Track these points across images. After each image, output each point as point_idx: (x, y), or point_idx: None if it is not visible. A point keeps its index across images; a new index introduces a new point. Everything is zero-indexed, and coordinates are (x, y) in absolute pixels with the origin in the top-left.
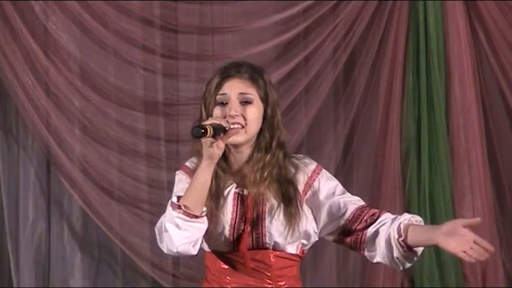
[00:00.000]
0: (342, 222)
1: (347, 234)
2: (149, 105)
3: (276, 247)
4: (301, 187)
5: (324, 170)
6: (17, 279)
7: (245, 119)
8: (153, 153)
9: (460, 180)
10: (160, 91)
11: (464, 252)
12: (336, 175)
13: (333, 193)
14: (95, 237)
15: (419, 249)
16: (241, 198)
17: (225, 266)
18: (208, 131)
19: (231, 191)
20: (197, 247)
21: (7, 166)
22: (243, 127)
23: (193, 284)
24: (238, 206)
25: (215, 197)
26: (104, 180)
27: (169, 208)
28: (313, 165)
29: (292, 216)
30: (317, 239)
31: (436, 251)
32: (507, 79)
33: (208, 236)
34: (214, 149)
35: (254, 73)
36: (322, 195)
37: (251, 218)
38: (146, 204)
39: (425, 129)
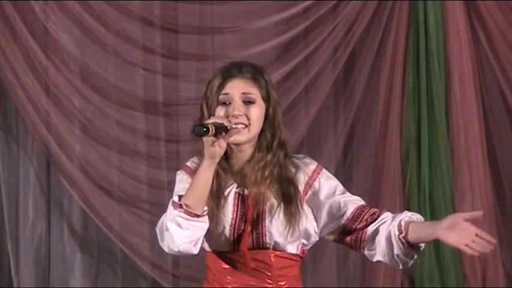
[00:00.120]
0: (342, 221)
1: (347, 234)
2: (149, 105)
3: (276, 247)
4: (301, 187)
5: (324, 170)
6: (17, 279)
7: (248, 119)
8: (153, 153)
9: (460, 180)
10: (160, 91)
11: (467, 245)
12: (336, 175)
13: (334, 193)
14: (95, 237)
15: (420, 246)
16: (241, 198)
17: (226, 266)
18: (210, 129)
19: (231, 191)
20: (198, 246)
21: (7, 166)
22: (246, 126)
23: (194, 284)
24: (239, 206)
25: (216, 196)
26: (104, 180)
27: (170, 207)
28: (313, 165)
29: (292, 216)
30: (317, 238)
31: (436, 250)
32: (507, 79)
33: (208, 235)
34: (216, 148)
35: (256, 73)
36: (322, 195)
37: (251, 218)
38: (146, 204)
39: (425, 129)
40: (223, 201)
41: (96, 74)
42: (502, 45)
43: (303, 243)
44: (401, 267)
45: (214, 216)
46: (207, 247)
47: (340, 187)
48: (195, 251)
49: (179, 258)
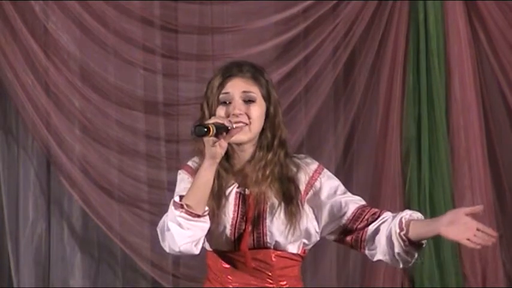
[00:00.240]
0: (343, 221)
1: (348, 234)
2: (149, 105)
3: (277, 246)
4: (302, 187)
5: (325, 170)
6: (17, 279)
7: (249, 118)
8: (153, 153)
9: (460, 180)
10: (161, 91)
11: (468, 239)
12: (336, 175)
13: (335, 193)
14: (95, 237)
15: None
16: (242, 198)
17: (227, 266)
18: (211, 130)
19: (232, 191)
20: (199, 246)
21: (7, 166)
22: (247, 125)
23: (194, 284)
24: (240, 206)
25: (217, 196)
26: (104, 180)
27: (171, 207)
28: (314, 164)
29: (293, 215)
30: (318, 238)
31: (436, 250)
32: (507, 79)
33: (209, 235)
34: (216, 149)
35: (256, 72)
36: (323, 195)
37: (252, 218)
38: (146, 204)
39: (425, 129)
40: (224, 201)
41: (96, 74)
42: (502, 45)
43: (303, 243)
44: (401, 266)
45: (215, 215)
46: (207, 246)
47: (342, 187)
48: (196, 251)
49: (179, 258)
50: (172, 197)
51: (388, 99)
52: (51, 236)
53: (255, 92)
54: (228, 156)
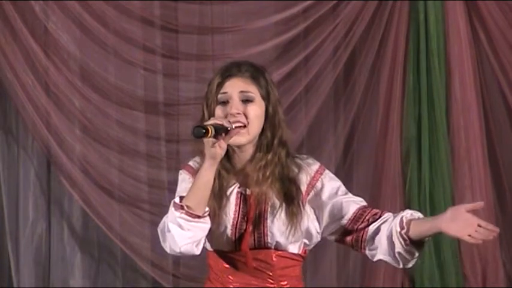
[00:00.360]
0: (344, 222)
1: (349, 234)
2: (149, 105)
3: (278, 247)
4: (303, 187)
5: (327, 171)
6: (17, 279)
7: (246, 117)
8: (153, 153)
9: (461, 180)
10: (161, 91)
11: (470, 235)
12: (336, 175)
13: (336, 193)
14: (95, 237)
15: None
16: (243, 198)
17: (227, 266)
18: (210, 131)
19: (233, 191)
20: (200, 247)
21: (7, 166)
22: (245, 126)
23: (194, 284)
24: (241, 206)
25: (218, 196)
26: (104, 180)
27: (171, 208)
28: (316, 165)
29: (294, 216)
30: (319, 239)
31: (436, 250)
32: (507, 79)
33: (210, 235)
34: (216, 149)
35: (255, 72)
36: (324, 196)
37: (253, 218)
38: (146, 204)
39: (425, 129)
40: (225, 201)
41: (96, 74)
42: (503, 45)
43: (304, 243)
44: (402, 265)
45: (216, 216)
46: (209, 247)
47: (343, 188)
48: (197, 251)
49: (179, 258)
50: (173, 197)
51: (388, 99)
52: (51, 236)
53: (253, 91)
54: (228, 156)
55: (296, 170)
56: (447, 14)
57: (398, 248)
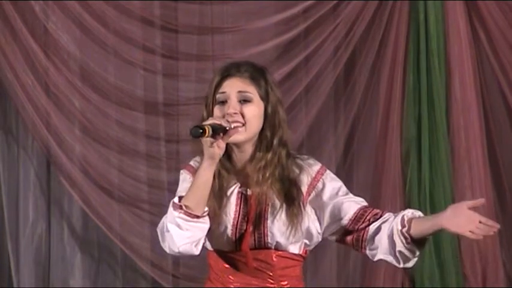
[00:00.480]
0: (345, 222)
1: (350, 234)
2: (149, 105)
3: (278, 247)
4: (304, 188)
5: (328, 171)
6: (17, 279)
7: (244, 117)
8: (153, 154)
9: (461, 180)
10: (161, 91)
11: (471, 231)
12: (337, 175)
13: (336, 194)
14: (95, 237)
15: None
16: (244, 198)
17: (228, 266)
18: (207, 130)
19: (234, 191)
20: (199, 247)
21: (7, 166)
22: (243, 125)
23: (194, 284)
24: (241, 206)
25: (218, 196)
26: (104, 180)
27: (170, 208)
28: (317, 166)
29: (294, 216)
30: (320, 239)
31: (436, 250)
32: (507, 79)
33: (210, 235)
34: (214, 149)
35: (255, 72)
36: (325, 196)
37: (253, 218)
38: (146, 204)
39: (425, 129)
40: (226, 201)
41: (96, 74)
42: (503, 45)
43: (305, 244)
44: (402, 265)
45: (216, 215)
46: (209, 246)
47: (344, 188)
48: (196, 251)
49: (179, 258)
50: (173, 197)
51: (388, 99)
52: (51, 236)
53: (252, 92)
54: (229, 156)
55: (297, 171)
56: (447, 14)
57: (400, 246)
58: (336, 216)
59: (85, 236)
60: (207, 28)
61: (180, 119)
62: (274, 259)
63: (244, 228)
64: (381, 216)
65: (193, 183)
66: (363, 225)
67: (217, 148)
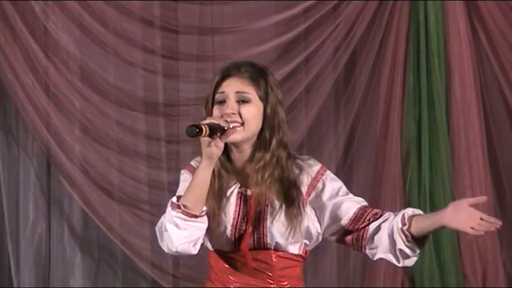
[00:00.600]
0: (345, 222)
1: (349, 234)
2: (149, 105)
3: (277, 247)
4: (304, 188)
5: (328, 172)
6: (17, 279)
7: (241, 118)
8: (153, 154)
9: (461, 180)
10: (161, 92)
11: (472, 228)
12: (337, 175)
13: (336, 194)
14: (95, 237)
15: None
16: (244, 198)
17: (227, 266)
18: (204, 130)
19: (234, 191)
20: (197, 246)
21: (7, 166)
22: (241, 125)
23: (194, 285)
24: (241, 206)
25: (218, 196)
26: (104, 181)
27: (169, 208)
28: (317, 166)
29: (293, 217)
30: (320, 239)
31: (436, 250)
32: (507, 79)
33: (210, 235)
34: (212, 149)
35: (255, 72)
36: (325, 196)
37: (253, 218)
38: (146, 204)
39: (425, 129)
40: (225, 201)
41: (96, 74)
42: (503, 45)
43: (305, 244)
44: (402, 263)
45: (216, 215)
46: (209, 246)
47: (344, 188)
48: (194, 251)
49: (179, 259)
50: (173, 197)
51: (388, 99)
52: (52, 237)
53: (250, 92)
54: (228, 156)
55: (297, 171)
56: (447, 14)
57: (400, 244)
58: (336, 216)
59: (85, 236)
60: (207, 28)
61: (180, 119)
62: (274, 259)
63: (244, 228)
64: (380, 216)
65: (191, 182)
66: (363, 224)
67: (215, 148)
